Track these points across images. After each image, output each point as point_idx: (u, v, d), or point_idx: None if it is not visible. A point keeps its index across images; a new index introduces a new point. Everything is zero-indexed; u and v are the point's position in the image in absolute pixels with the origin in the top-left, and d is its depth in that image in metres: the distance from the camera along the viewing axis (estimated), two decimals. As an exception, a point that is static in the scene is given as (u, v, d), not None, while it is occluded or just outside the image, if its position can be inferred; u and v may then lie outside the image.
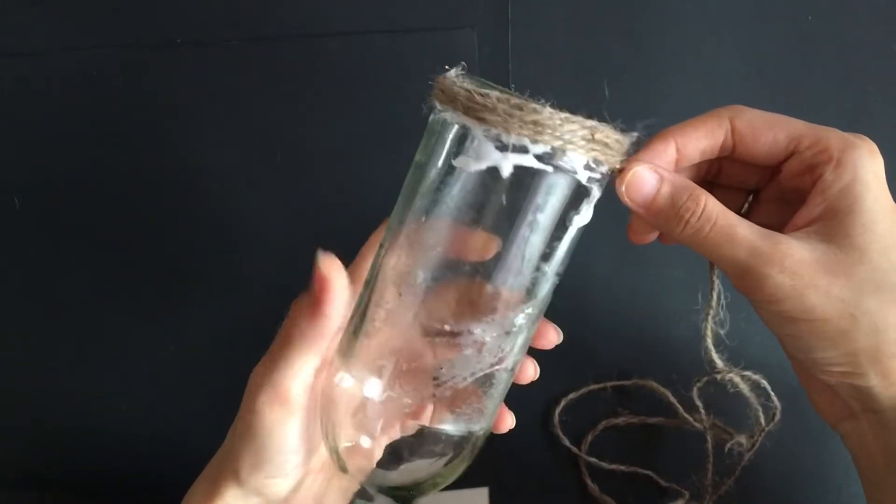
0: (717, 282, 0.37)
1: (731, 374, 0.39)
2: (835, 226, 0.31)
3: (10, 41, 0.52)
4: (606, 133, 0.29)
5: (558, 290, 0.33)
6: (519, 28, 0.53)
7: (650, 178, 0.32)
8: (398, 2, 0.53)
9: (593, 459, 0.53)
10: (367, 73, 0.53)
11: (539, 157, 0.28)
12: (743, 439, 0.49)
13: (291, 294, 0.32)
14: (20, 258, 0.53)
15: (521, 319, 0.32)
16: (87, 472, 0.54)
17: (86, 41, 0.52)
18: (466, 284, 0.31)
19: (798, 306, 0.31)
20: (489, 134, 0.28)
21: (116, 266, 0.53)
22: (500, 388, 0.33)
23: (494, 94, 0.28)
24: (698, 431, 0.52)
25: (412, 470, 0.33)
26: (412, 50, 0.53)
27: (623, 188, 0.32)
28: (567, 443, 0.53)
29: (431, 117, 0.31)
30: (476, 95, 0.28)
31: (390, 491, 0.34)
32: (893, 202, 0.32)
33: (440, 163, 0.30)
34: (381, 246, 0.33)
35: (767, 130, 0.33)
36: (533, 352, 0.35)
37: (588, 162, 0.30)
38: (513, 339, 0.32)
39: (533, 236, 0.30)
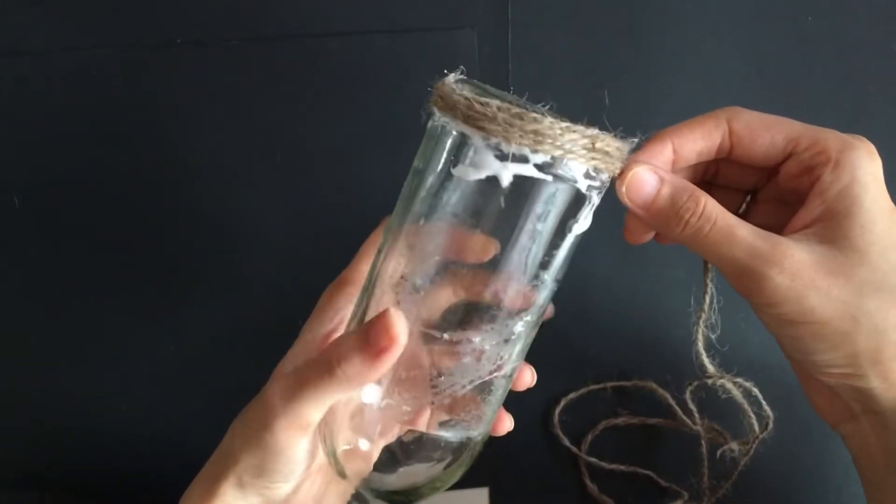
0: (710, 285, 0.37)
1: (721, 380, 0.39)
2: (833, 227, 0.31)
3: (10, 41, 0.51)
4: (607, 142, 0.29)
5: (558, 291, 0.33)
6: (519, 28, 0.53)
7: (650, 179, 0.32)
8: (398, 2, 0.53)
9: (593, 459, 0.53)
10: (367, 73, 0.53)
11: (539, 167, 0.28)
12: (736, 445, 0.49)
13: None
14: (20, 258, 0.53)
15: (519, 327, 0.32)
16: (87, 472, 0.54)
17: (86, 41, 0.52)
18: (465, 293, 0.31)
19: (797, 308, 0.31)
20: (489, 143, 0.28)
21: (116, 266, 0.53)
22: (498, 395, 0.33)
23: (495, 102, 0.28)
24: (696, 434, 0.52)
25: (410, 474, 0.33)
26: (412, 50, 0.53)
27: (623, 189, 0.32)
28: (567, 443, 0.54)
29: (430, 123, 0.31)
30: (476, 104, 0.28)
31: (388, 495, 0.34)
32: (892, 203, 0.32)
33: (439, 169, 0.30)
34: (380, 251, 0.33)
35: (765, 132, 0.33)
36: (533, 353, 0.35)
37: (588, 170, 0.29)
38: (511, 346, 0.32)
39: (532, 244, 0.30)
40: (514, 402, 0.36)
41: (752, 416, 0.44)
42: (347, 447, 0.32)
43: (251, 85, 0.53)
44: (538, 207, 0.29)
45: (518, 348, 0.33)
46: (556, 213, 0.30)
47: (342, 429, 0.32)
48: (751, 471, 0.50)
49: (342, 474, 0.33)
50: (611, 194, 0.32)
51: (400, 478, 0.33)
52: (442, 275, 0.31)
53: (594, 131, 0.29)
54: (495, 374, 0.32)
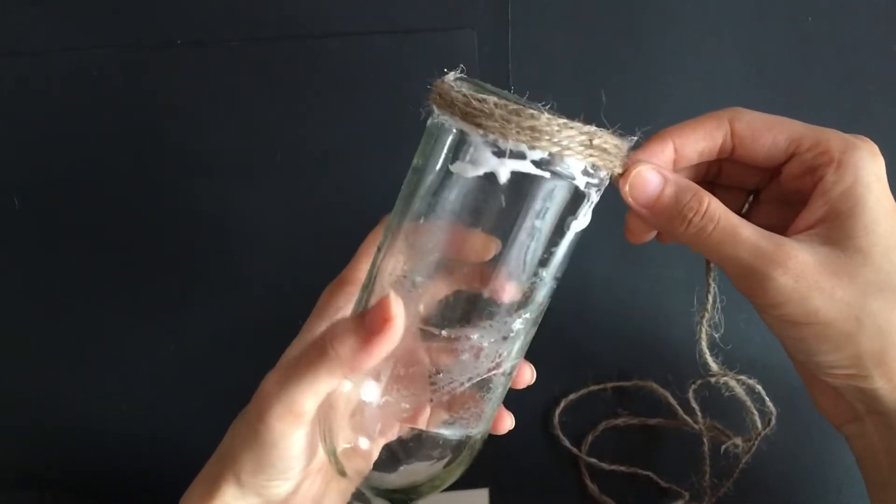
0: (713, 285, 0.37)
1: (725, 378, 0.39)
2: (837, 228, 0.31)
3: (10, 41, 0.52)
4: (605, 138, 0.29)
5: (558, 291, 0.33)
6: (519, 28, 0.53)
7: (654, 178, 0.32)
8: (398, 2, 0.53)
9: (593, 460, 0.53)
10: (367, 73, 0.53)
11: (536, 163, 0.28)
12: (739, 441, 0.49)
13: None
14: (20, 258, 0.53)
15: (518, 324, 0.32)
16: (87, 472, 0.54)
17: (86, 41, 0.52)
18: (464, 290, 0.31)
19: (801, 309, 0.31)
20: (486, 139, 0.28)
21: (116, 266, 0.53)
22: (497, 393, 0.33)
23: (492, 99, 0.28)
24: (697, 433, 0.52)
25: (410, 472, 0.33)
26: (412, 50, 0.53)
27: (626, 188, 0.32)
28: (567, 443, 0.53)
29: (429, 121, 0.31)
30: (473, 101, 0.28)
31: (388, 493, 0.34)
32: (895, 203, 0.32)
33: (438, 167, 0.30)
34: (379, 249, 0.33)
35: (767, 132, 0.33)
36: (532, 353, 0.35)
37: (586, 167, 0.29)
38: (510, 343, 0.32)
39: (531, 242, 0.30)
40: (514, 402, 0.36)
41: (755, 412, 0.44)
42: (347, 446, 0.32)
43: (251, 85, 0.53)
44: (537, 204, 0.29)
45: (517, 346, 0.33)
46: (555, 211, 0.30)
47: (342, 427, 0.32)
48: (752, 470, 0.50)
49: (342, 473, 0.33)
50: (610, 193, 0.32)
51: (400, 476, 0.33)
52: (441, 272, 0.31)
53: (592, 128, 0.29)
54: (494, 372, 0.32)
